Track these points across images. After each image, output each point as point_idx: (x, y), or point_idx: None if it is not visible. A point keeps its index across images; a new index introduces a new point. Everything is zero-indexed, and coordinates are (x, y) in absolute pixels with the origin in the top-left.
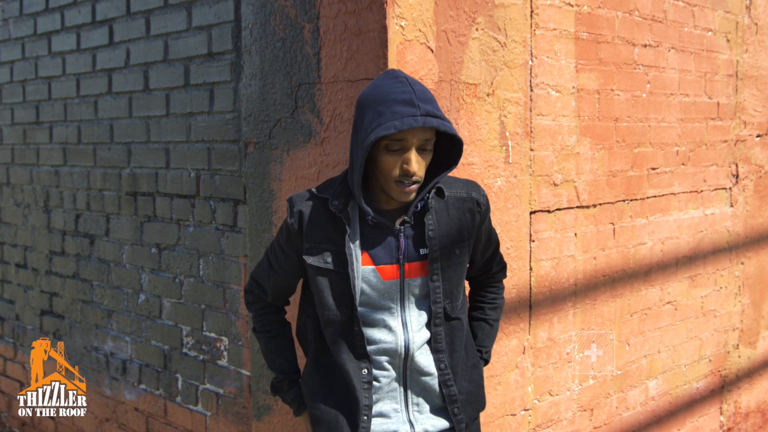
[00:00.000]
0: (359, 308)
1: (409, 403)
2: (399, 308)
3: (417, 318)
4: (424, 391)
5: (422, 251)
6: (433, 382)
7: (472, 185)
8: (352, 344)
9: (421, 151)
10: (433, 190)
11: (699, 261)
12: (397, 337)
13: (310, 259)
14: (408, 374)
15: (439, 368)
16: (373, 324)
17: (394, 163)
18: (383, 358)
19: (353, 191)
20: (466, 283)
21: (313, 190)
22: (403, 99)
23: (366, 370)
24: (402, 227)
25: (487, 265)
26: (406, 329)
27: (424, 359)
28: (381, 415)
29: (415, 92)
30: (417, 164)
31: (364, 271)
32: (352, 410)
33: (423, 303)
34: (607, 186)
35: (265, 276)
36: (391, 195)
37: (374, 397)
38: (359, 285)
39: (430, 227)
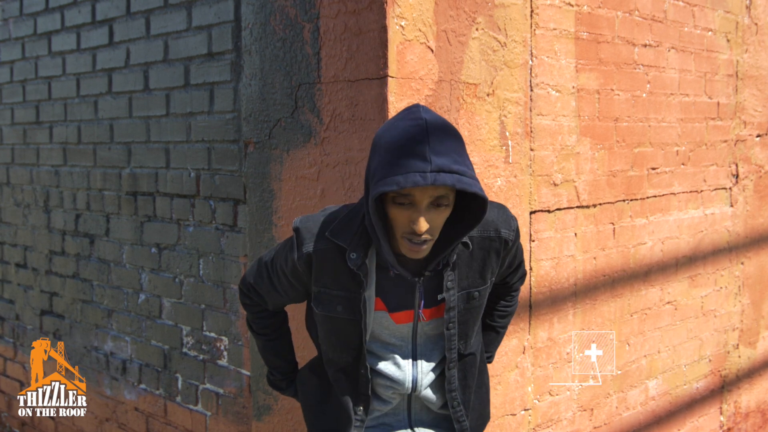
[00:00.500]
0: (368, 341)
1: (412, 416)
2: (411, 347)
3: (428, 357)
4: (426, 408)
5: (439, 296)
6: (436, 405)
7: (503, 219)
8: (354, 384)
9: (434, 207)
10: (458, 243)
11: (699, 261)
12: (406, 375)
13: (318, 308)
14: (412, 401)
15: (452, 406)
16: (382, 357)
17: (402, 217)
18: (389, 391)
19: (377, 245)
20: None
21: (328, 234)
22: (412, 151)
23: (362, 409)
24: (420, 279)
25: (505, 279)
26: (416, 368)
27: (431, 394)
28: (384, 424)
29: (429, 140)
30: (426, 224)
31: (376, 315)
32: None
33: (436, 342)
34: (607, 186)
35: (265, 290)
36: (401, 250)
37: (377, 413)
38: (369, 333)
39: (449, 279)
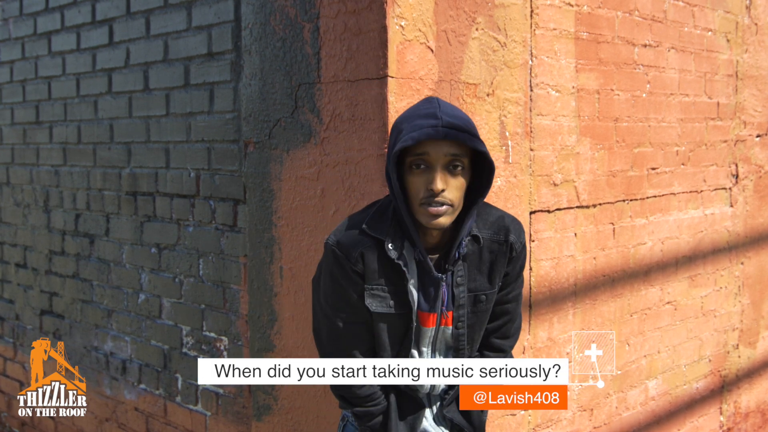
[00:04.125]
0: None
1: (432, 406)
2: (429, 353)
3: None
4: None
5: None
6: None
7: (516, 227)
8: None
9: (450, 170)
10: (469, 238)
11: (699, 261)
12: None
13: (373, 306)
14: (431, 399)
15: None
16: None
17: (419, 182)
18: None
19: (407, 228)
20: None
21: (364, 227)
22: (425, 113)
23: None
24: (443, 276)
25: (495, 316)
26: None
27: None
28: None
29: (440, 107)
30: (442, 182)
31: None
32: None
33: (449, 349)
34: (607, 186)
35: (352, 340)
36: (422, 222)
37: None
38: (416, 324)
39: (459, 274)
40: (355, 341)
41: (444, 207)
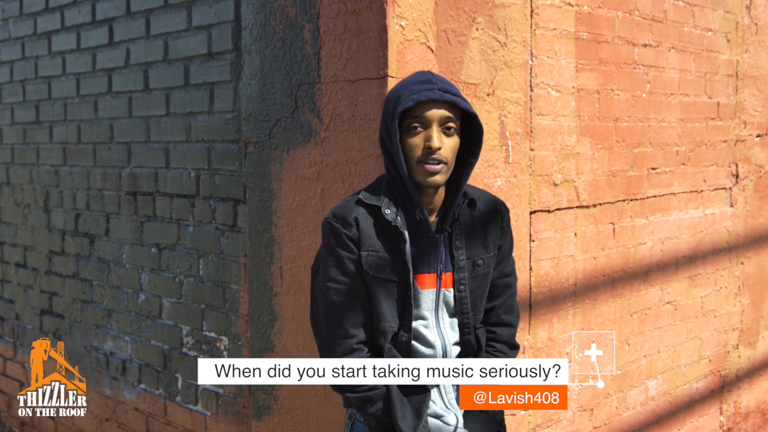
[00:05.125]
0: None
1: (442, 392)
2: (434, 319)
3: (451, 330)
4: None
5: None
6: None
7: (498, 200)
8: (398, 350)
9: (444, 132)
10: (466, 201)
11: (699, 261)
12: (436, 351)
13: (372, 271)
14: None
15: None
16: (414, 334)
17: (418, 140)
18: None
19: (406, 184)
20: None
21: (360, 196)
22: (421, 80)
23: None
24: (441, 235)
25: (492, 295)
26: (444, 342)
27: None
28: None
29: (433, 75)
30: (439, 141)
31: None
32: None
33: (453, 315)
34: (607, 186)
35: (348, 312)
36: (419, 180)
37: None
38: (413, 291)
39: (456, 236)
40: (351, 314)
41: (440, 165)
